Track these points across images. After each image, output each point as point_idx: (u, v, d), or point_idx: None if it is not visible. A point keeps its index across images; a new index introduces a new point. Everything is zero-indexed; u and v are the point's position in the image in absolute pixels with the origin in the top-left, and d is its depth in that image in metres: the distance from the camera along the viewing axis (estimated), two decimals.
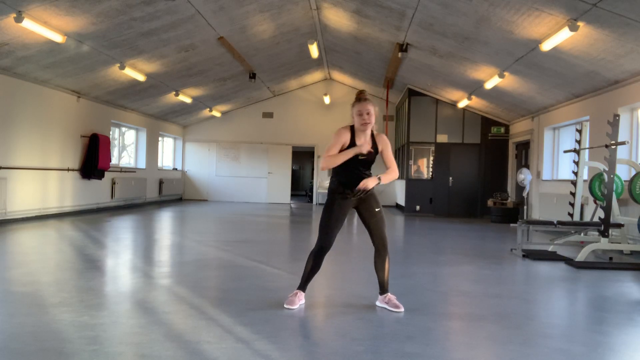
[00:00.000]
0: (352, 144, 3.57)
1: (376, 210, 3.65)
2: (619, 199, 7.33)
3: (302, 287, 3.77)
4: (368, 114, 3.52)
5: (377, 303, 3.78)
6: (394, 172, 3.63)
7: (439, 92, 13.17)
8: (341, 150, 3.57)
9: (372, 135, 3.65)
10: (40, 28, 7.09)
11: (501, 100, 11.59)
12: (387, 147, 3.66)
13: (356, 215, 3.72)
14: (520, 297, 4.33)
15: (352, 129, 3.62)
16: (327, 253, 3.69)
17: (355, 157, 3.54)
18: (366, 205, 3.65)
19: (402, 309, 3.63)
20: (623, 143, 6.42)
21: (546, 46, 7.11)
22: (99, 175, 11.26)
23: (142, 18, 7.80)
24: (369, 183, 3.48)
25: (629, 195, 6.82)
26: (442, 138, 13.74)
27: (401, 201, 14.84)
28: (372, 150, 3.54)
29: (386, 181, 3.57)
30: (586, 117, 8.97)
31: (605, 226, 6.25)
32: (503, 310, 3.81)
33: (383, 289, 3.75)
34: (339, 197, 3.62)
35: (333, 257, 6.21)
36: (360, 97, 3.59)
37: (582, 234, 7.02)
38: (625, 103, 7.76)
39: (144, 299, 3.85)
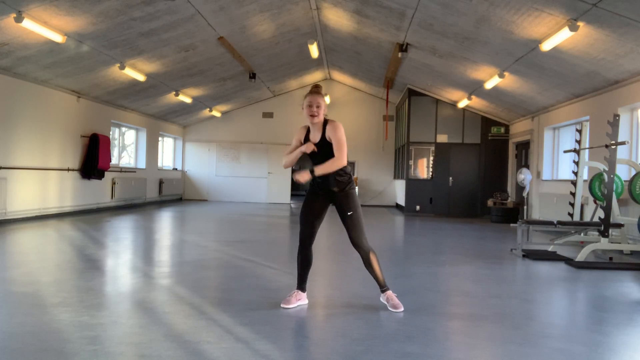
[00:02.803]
0: (306, 139, 3.69)
1: (348, 213, 3.65)
2: (619, 199, 7.33)
3: (300, 286, 3.79)
4: (318, 107, 3.58)
5: (381, 299, 3.82)
6: (335, 161, 3.53)
7: (439, 92, 13.17)
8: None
9: (326, 125, 3.65)
10: (40, 28, 7.09)
11: (501, 100, 11.59)
12: (335, 134, 3.56)
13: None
14: (520, 297, 4.33)
15: (309, 127, 3.72)
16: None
17: (312, 153, 3.65)
18: (340, 207, 3.69)
19: (402, 309, 3.63)
20: (623, 143, 6.42)
21: (546, 46, 7.11)
22: (99, 175, 11.26)
23: (142, 18, 7.80)
24: (299, 177, 3.52)
25: (629, 195, 6.82)
26: (442, 138, 13.74)
27: (401, 201, 14.84)
28: (315, 149, 3.59)
29: (320, 172, 3.53)
30: (586, 117, 8.97)
31: (605, 226, 6.25)
32: (503, 310, 3.81)
33: (381, 287, 3.77)
34: (309, 192, 3.79)
35: (333, 257, 6.22)
36: (314, 90, 3.66)
37: (582, 234, 7.02)
38: (625, 103, 7.76)
39: (144, 299, 3.85)
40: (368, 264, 3.73)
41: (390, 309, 3.66)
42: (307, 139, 3.70)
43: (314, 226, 3.73)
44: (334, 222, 3.82)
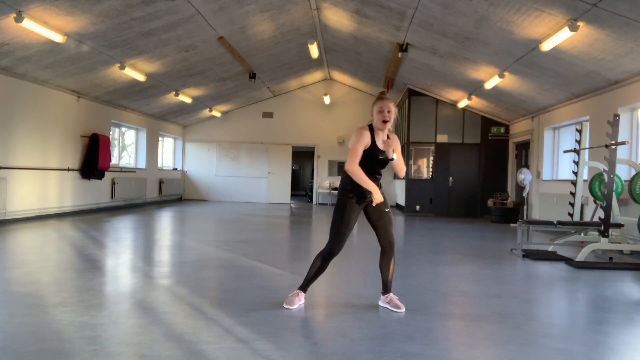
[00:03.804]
0: (373, 143, 3.57)
1: (386, 210, 3.68)
2: (619, 199, 7.33)
3: (304, 288, 3.77)
4: (389, 112, 3.55)
5: (380, 303, 3.79)
6: (404, 169, 3.78)
7: (439, 92, 13.17)
8: (365, 150, 3.58)
9: (388, 136, 3.68)
10: (40, 28, 7.08)
11: (501, 100, 11.59)
12: (398, 147, 3.69)
13: (360, 214, 3.73)
14: (520, 297, 4.33)
15: (370, 128, 3.62)
16: (319, 249, 3.76)
17: (375, 158, 3.58)
18: (375, 207, 3.65)
19: (403, 309, 3.64)
20: (623, 143, 6.42)
21: (546, 46, 7.11)
22: (99, 175, 11.26)
23: (142, 18, 7.80)
24: (378, 197, 3.54)
25: (629, 195, 6.82)
26: (442, 138, 13.74)
27: (401, 201, 14.85)
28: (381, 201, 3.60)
29: (398, 164, 3.70)
30: (586, 117, 8.97)
31: (605, 226, 6.25)
32: (503, 310, 3.81)
33: (386, 289, 3.76)
34: (352, 201, 3.61)
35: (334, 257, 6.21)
36: (382, 96, 3.65)
37: (582, 234, 7.02)
38: (625, 103, 7.76)
39: (144, 299, 3.85)
40: (387, 264, 3.72)
41: (392, 309, 3.66)
42: (373, 143, 3.57)
43: (347, 238, 3.67)
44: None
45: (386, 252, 3.71)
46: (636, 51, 6.53)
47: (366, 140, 3.55)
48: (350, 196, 3.61)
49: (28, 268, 4.88)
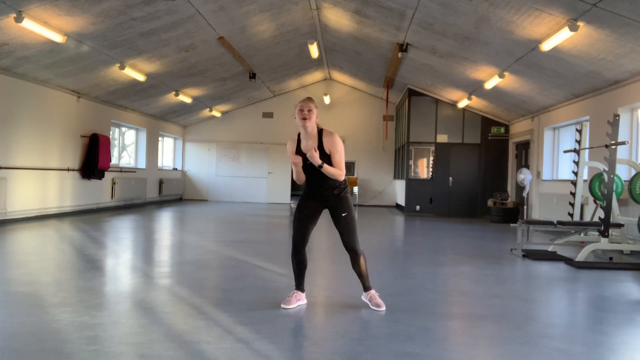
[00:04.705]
0: (297, 149, 3.66)
1: (342, 215, 3.68)
2: (619, 199, 7.33)
3: (298, 286, 3.81)
4: (309, 110, 3.56)
5: (362, 298, 3.84)
6: (338, 172, 3.58)
7: (439, 92, 13.17)
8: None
9: (322, 135, 3.63)
10: (40, 28, 7.08)
11: (501, 100, 11.59)
12: (334, 149, 3.58)
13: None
14: (520, 297, 4.33)
15: (298, 137, 3.69)
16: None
17: (308, 162, 3.60)
18: (334, 210, 3.71)
19: (384, 308, 3.66)
20: (623, 143, 6.42)
21: (546, 46, 7.11)
22: (99, 175, 11.26)
23: (142, 18, 7.80)
24: (315, 156, 3.49)
25: (629, 195, 6.82)
26: (442, 138, 13.74)
27: (401, 201, 14.84)
28: (300, 162, 3.56)
29: (327, 171, 3.54)
30: (586, 117, 8.97)
31: (605, 226, 6.25)
32: (503, 310, 3.81)
33: (365, 287, 3.80)
34: (303, 196, 3.80)
35: (333, 258, 6.22)
36: (304, 99, 3.67)
37: (582, 234, 7.02)
38: (625, 103, 7.76)
39: (144, 299, 3.85)
40: (357, 266, 3.76)
41: (372, 307, 3.69)
42: (299, 150, 3.64)
43: (307, 230, 3.74)
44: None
45: (349, 255, 3.76)
46: (636, 51, 6.53)
47: (289, 152, 3.70)
48: (306, 191, 3.79)
49: (28, 268, 4.89)
